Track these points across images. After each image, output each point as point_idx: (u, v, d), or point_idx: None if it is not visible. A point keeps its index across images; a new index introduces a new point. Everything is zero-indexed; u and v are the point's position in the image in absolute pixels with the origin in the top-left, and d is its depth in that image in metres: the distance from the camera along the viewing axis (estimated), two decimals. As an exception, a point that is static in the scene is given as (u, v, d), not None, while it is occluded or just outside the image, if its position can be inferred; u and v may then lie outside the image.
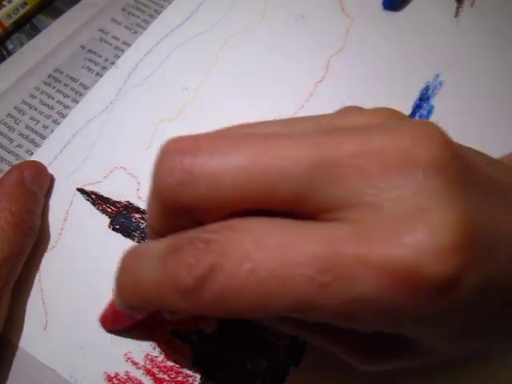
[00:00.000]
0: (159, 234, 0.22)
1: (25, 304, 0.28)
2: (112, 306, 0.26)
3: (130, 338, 0.27)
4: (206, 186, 0.19)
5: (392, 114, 0.21)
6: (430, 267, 0.16)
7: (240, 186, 0.19)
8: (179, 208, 0.20)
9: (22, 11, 0.39)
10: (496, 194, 0.19)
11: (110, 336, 0.27)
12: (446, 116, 0.34)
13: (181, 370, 0.27)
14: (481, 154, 0.22)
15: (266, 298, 0.17)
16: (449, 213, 0.17)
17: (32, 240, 0.29)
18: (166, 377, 0.26)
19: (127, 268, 0.22)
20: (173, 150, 0.20)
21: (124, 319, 0.26)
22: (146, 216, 0.30)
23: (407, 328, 0.18)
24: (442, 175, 0.17)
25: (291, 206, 0.19)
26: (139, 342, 0.27)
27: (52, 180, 0.31)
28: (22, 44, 0.38)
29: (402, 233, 0.16)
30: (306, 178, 0.18)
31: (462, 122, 0.34)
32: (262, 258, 0.17)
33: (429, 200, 0.17)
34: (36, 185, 0.30)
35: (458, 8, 0.38)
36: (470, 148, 0.21)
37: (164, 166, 0.20)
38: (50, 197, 0.31)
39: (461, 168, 0.18)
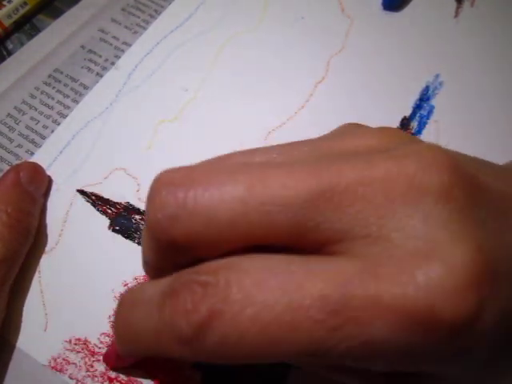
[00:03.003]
0: (155, 269, 0.21)
1: (25, 306, 0.28)
2: (114, 344, 0.26)
3: (135, 376, 0.27)
4: (201, 220, 0.18)
5: (395, 134, 0.20)
6: (445, 307, 0.15)
7: (237, 219, 0.17)
8: (173, 245, 0.19)
9: (21, 11, 0.38)
10: (510, 209, 0.18)
11: (110, 337, 0.27)
12: (446, 116, 0.34)
13: (181, 371, 0.27)
14: (487, 166, 0.20)
15: (272, 345, 0.16)
16: (463, 245, 0.16)
17: (29, 241, 0.29)
18: (166, 378, 0.26)
19: (123, 315, 0.21)
20: (165, 183, 0.19)
21: (127, 358, 0.26)
22: (144, 216, 0.30)
23: (424, 367, 0.18)
24: (452, 202, 0.16)
25: (292, 238, 0.17)
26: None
27: (50, 181, 0.32)
28: (22, 44, 0.38)
29: (414, 269, 0.15)
30: (306, 207, 0.17)
31: (462, 121, 0.34)
32: (264, 301, 0.16)
33: (440, 231, 0.16)
34: (33, 186, 0.30)
35: (457, 8, 0.38)
36: (475, 160, 0.20)
37: (156, 200, 0.18)
38: (49, 198, 0.31)
39: (471, 191, 0.17)
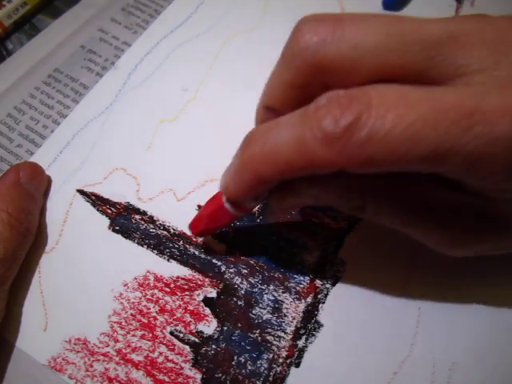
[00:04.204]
0: (276, 113, 0.23)
1: (25, 305, 0.28)
2: (212, 205, 0.26)
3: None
4: (349, 44, 0.21)
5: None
6: None
7: (380, 45, 0.20)
8: (318, 67, 0.21)
9: (21, 11, 0.39)
10: None
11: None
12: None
13: (181, 371, 0.27)
14: None
15: (413, 141, 0.19)
16: None
17: (29, 241, 0.29)
18: (166, 378, 0.26)
19: (257, 139, 0.22)
20: (313, 19, 0.22)
21: (221, 218, 0.27)
22: (145, 217, 0.30)
23: None
24: None
25: (421, 71, 0.21)
26: (139, 343, 0.27)
27: (50, 181, 0.32)
28: (22, 44, 0.38)
29: None
30: (437, 44, 0.20)
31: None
32: (409, 105, 0.19)
33: None
34: (32, 185, 0.30)
35: (457, 8, 0.38)
36: None
37: (305, 31, 0.21)
38: (49, 198, 0.31)
39: None
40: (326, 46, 0.21)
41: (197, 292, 0.28)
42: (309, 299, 0.28)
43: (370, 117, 0.19)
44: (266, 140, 0.22)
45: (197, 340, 0.27)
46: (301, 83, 0.22)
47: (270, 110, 0.23)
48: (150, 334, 0.27)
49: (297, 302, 0.28)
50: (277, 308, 0.28)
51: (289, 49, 0.22)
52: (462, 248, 0.24)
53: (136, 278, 0.29)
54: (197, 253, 0.29)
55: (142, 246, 0.30)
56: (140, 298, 0.28)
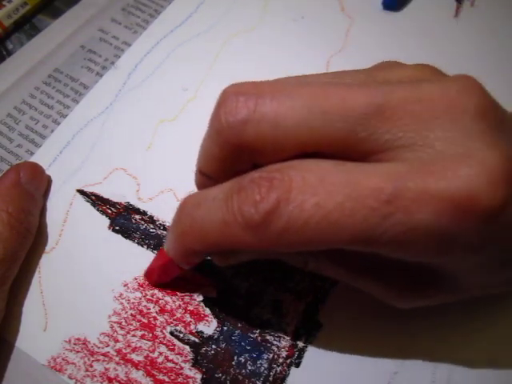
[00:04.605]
0: (210, 178, 0.23)
1: (25, 306, 0.28)
2: (160, 259, 0.27)
3: (170, 289, 0.29)
4: (270, 124, 0.20)
5: (432, 69, 0.23)
6: (483, 195, 0.18)
7: (302, 124, 0.20)
8: (241, 147, 0.21)
9: (22, 11, 0.39)
10: None
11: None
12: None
13: (181, 371, 0.27)
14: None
15: (331, 230, 0.19)
16: (496, 152, 0.19)
17: (29, 241, 0.29)
18: (165, 378, 0.26)
19: (188, 214, 0.23)
20: (236, 93, 0.21)
21: (171, 271, 0.27)
22: (145, 217, 0.30)
23: (452, 255, 0.20)
24: (485, 120, 0.20)
25: (345, 146, 0.20)
26: (139, 343, 0.27)
27: (50, 181, 0.31)
28: (22, 44, 0.38)
29: (456, 168, 0.18)
30: (362, 119, 0.20)
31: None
32: (327, 191, 0.19)
33: (476, 141, 0.19)
34: (33, 185, 0.29)
35: (457, 8, 0.38)
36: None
37: (228, 107, 0.21)
38: (49, 198, 0.31)
39: (498, 116, 0.20)
40: (247, 127, 0.21)
41: (197, 292, 0.28)
42: (309, 299, 0.28)
43: (287, 205, 0.19)
44: (195, 217, 0.22)
45: (197, 340, 0.27)
46: (228, 158, 0.22)
47: (204, 175, 0.24)
48: (150, 334, 0.27)
49: (297, 301, 0.28)
50: (277, 308, 0.28)
51: (213, 124, 0.22)
52: (405, 303, 0.24)
53: (136, 278, 0.29)
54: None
55: (141, 246, 0.30)
56: (140, 298, 0.28)
